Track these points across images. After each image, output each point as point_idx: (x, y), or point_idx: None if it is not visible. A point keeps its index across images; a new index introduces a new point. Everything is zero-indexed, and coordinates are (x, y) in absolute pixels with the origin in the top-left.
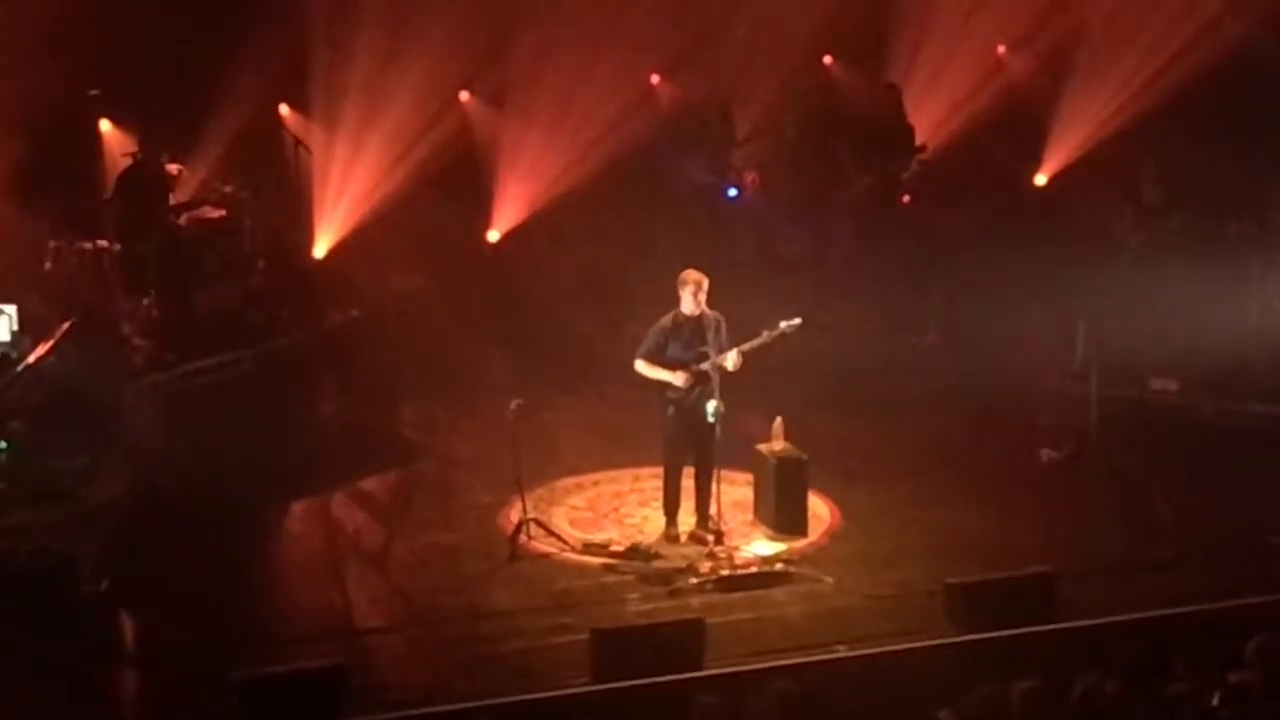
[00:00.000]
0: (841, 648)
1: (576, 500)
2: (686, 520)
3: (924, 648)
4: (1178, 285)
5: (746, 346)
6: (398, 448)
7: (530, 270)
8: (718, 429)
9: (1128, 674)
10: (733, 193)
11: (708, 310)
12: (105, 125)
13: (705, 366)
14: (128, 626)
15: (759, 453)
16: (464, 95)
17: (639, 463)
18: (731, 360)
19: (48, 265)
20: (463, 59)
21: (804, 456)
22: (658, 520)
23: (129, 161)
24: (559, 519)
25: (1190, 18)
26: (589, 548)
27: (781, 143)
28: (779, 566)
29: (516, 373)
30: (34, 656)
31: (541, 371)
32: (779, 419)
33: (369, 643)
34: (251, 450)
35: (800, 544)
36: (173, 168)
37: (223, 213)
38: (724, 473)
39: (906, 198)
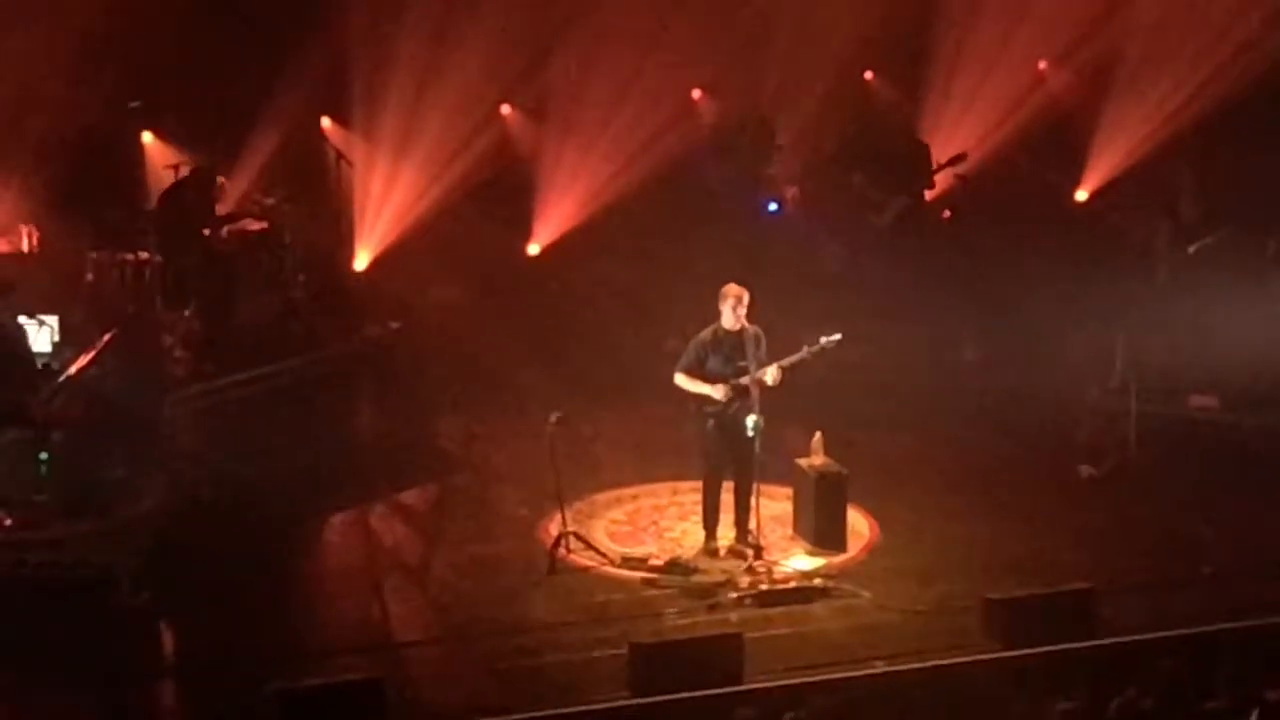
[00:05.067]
0: (879, 663)
1: (615, 514)
2: (725, 534)
3: (962, 664)
4: (1218, 301)
5: (786, 361)
6: (437, 460)
7: (570, 284)
8: (757, 443)
9: (1166, 691)
10: (773, 207)
11: (748, 325)
12: (147, 137)
13: (745, 381)
14: (166, 638)
15: (799, 467)
16: (505, 108)
17: (678, 476)
18: (771, 375)
19: (89, 277)
20: (504, 72)
21: (844, 471)
22: (697, 534)
23: (176, 175)
24: (598, 532)
25: (1231, 33)
26: (628, 561)
27: (821, 157)
28: (818, 581)
29: (555, 386)
30: (73, 668)
31: (580, 384)
32: (818, 434)
33: (407, 655)
34: (290, 462)
35: (839, 559)
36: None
37: (264, 225)
38: (763, 487)
39: (948, 213)
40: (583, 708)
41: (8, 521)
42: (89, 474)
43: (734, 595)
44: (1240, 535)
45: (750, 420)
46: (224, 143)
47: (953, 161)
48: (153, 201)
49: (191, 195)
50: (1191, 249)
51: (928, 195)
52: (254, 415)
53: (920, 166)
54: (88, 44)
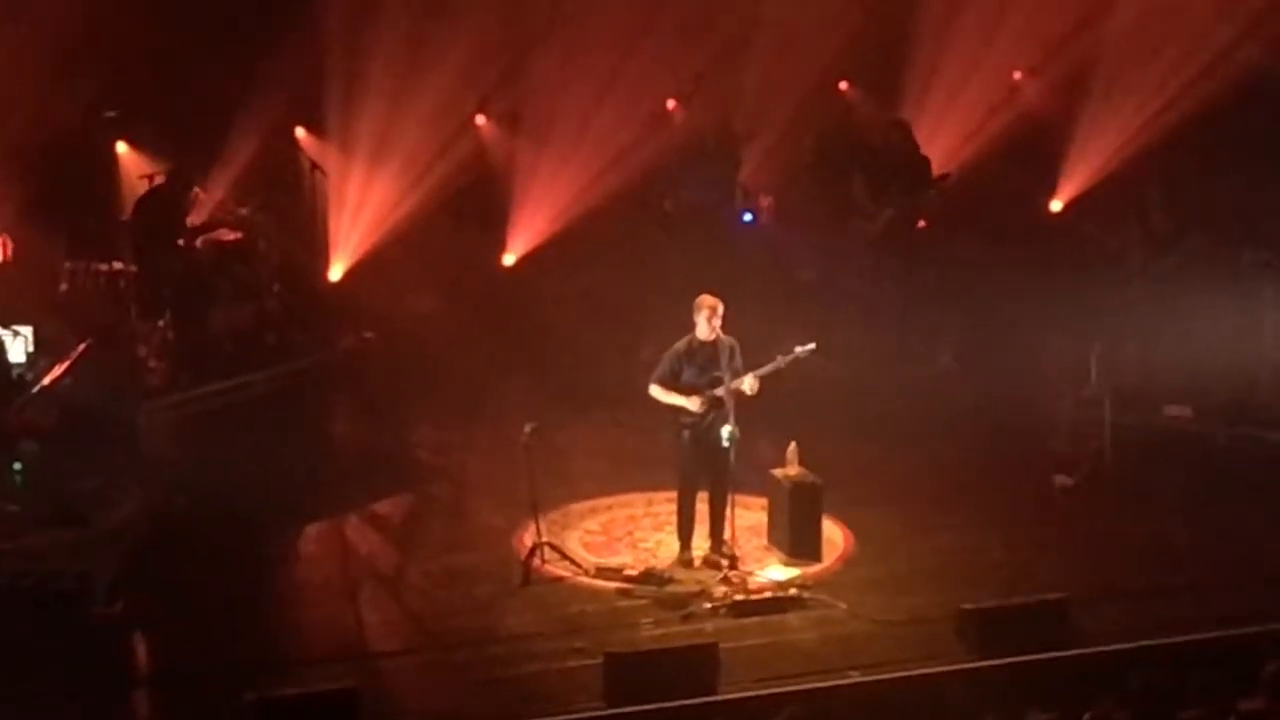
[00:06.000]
0: (854, 673)
1: (590, 524)
2: (700, 545)
3: (937, 674)
4: (1192, 312)
5: (761, 371)
6: (412, 470)
7: (545, 294)
8: (732, 454)
9: (1141, 700)
10: (748, 217)
11: (723, 335)
12: (121, 147)
13: (720, 392)
14: (141, 648)
15: (773, 477)
16: (480, 119)
17: (653, 487)
18: (749, 384)
19: (64, 286)
20: (479, 83)
21: (818, 481)
22: (671, 545)
23: (150, 184)
24: (573, 543)
25: (1206, 44)
26: (602, 571)
27: (797, 167)
28: (793, 592)
29: (531, 396)
30: (48, 678)
31: (556, 395)
32: (793, 444)
33: (382, 665)
34: (265, 472)
35: (814, 569)
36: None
37: (238, 235)
38: (738, 497)
39: (922, 222)
40: (557, 718)
41: None
42: (64, 484)
43: (709, 605)
44: (1215, 545)
45: (725, 431)
46: (198, 152)
47: (937, 181)
48: (127, 211)
49: (167, 200)
50: (1158, 266)
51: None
52: (229, 425)
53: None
54: (61, 53)
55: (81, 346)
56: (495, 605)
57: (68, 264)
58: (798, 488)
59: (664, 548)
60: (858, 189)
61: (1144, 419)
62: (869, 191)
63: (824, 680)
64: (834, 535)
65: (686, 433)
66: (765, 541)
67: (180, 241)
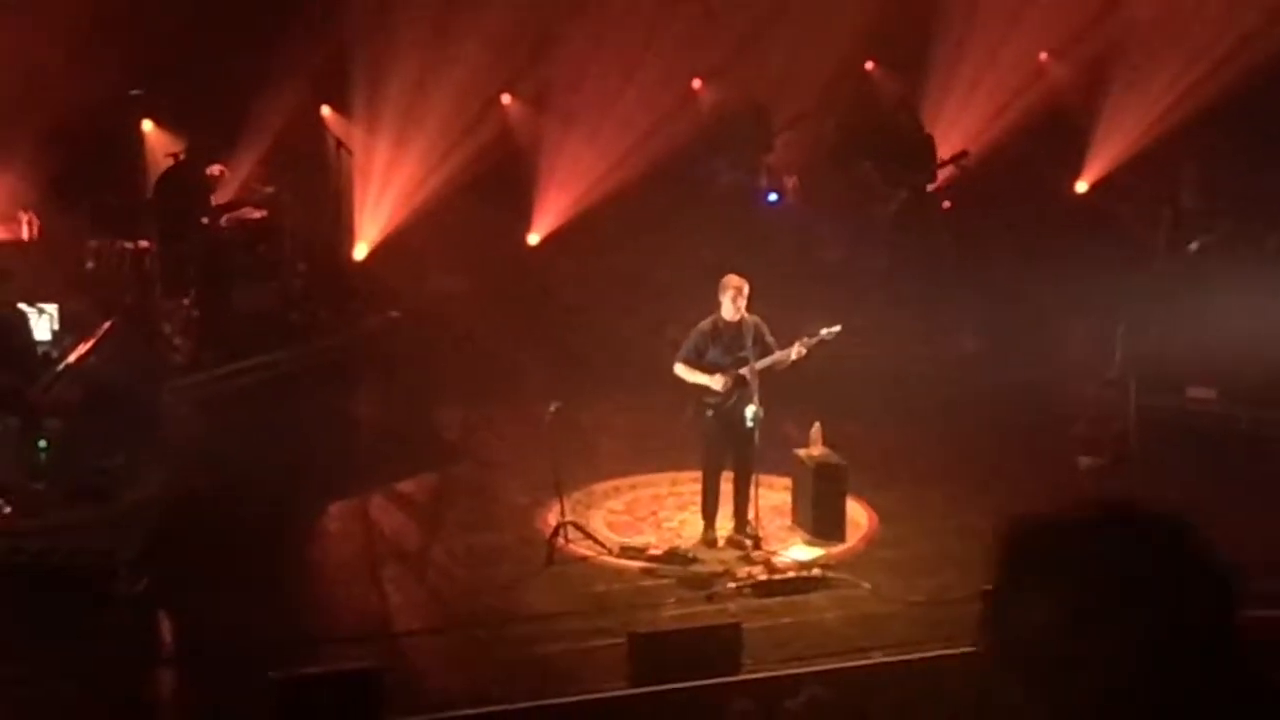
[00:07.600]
0: (877, 653)
1: (614, 504)
2: (724, 525)
3: (960, 655)
4: (1217, 294)
5: (787, 353)
6: (436, 450)
7: (570, 273)
8: (756, 434)
9: None
10: (773, 197)
11: (747, 315)
12: (147, 125)
13: (744, 371)
14: (165, 626)
15: (797, 458)
16: (505, 98)
17: (677, 467)
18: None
19: (89, 265)
20: (504, 62)
21: (842, 462)
22: (695, 524)
23: (171, 162)
24: (597, 522)
25: (1230, 27)
26: (626, 551)
27: (822, 147)
28: (816, 572)
29: (555, 376)
30: (71, 657)
31: (580, 375)
32: (817, 424)
33: (406, 644)
34: (290, 451)
35: (838, 549)
36: (214, 169)
37: (263, 214)
38: (762, 477)
39: (947, 204)
40: (582, 697)
41: (7, 509)
42: (88, 462)
43: (732, 585)
44: (1239, 528)
45: (750, 411)
46: (224, 131)
47: (955, 159)
48: (151, 190)
49: (189, 177)
50: (1193, 246)
51: (929, 188)
52: (253, 404)
53: (925, 159)
54: (89, 32)
55: (106, 325)
56: (519, 585)
57: (93, 242)
58: (822, 468)
59: (688, 527)
60: (868, 172)
61: (1168, 401)
62: (881, 174)
63: (847, 660)
64: (858, 516)
65: (711, 412)
66: (789, 521)
67: (205, 220)
